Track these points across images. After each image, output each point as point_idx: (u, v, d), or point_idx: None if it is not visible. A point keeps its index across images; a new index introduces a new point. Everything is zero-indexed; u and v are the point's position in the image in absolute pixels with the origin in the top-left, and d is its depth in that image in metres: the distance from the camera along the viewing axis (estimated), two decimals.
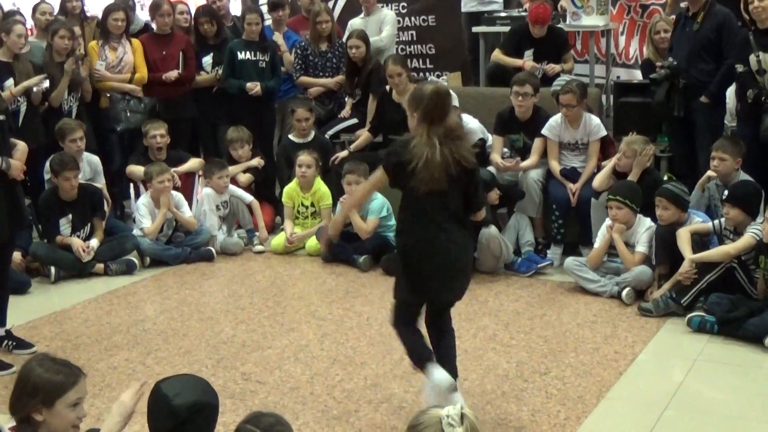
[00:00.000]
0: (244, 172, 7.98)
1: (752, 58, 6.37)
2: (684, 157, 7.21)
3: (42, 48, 7.84)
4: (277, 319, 5.92)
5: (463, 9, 9.24)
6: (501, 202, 6.95)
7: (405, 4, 9.78)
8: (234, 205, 7.68)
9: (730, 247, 5.63)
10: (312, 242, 7.34)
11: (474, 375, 4.92)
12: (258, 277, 6.88)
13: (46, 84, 7.32)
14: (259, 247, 7.52)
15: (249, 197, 7.75)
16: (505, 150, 7.23)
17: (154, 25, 8.57)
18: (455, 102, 6.75)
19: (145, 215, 7.30)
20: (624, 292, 6.00)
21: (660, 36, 7.55)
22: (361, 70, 8.14)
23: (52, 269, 6.83)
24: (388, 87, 7.58)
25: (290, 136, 8.09)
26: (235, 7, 10.25)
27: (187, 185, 7.83)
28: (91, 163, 7.51)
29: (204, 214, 7.53)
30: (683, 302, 5.67)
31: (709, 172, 6.42)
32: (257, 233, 7.66)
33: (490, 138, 7.20)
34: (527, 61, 7.75)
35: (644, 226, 6.17)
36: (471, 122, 7.03)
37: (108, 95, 8.12)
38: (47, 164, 7.08)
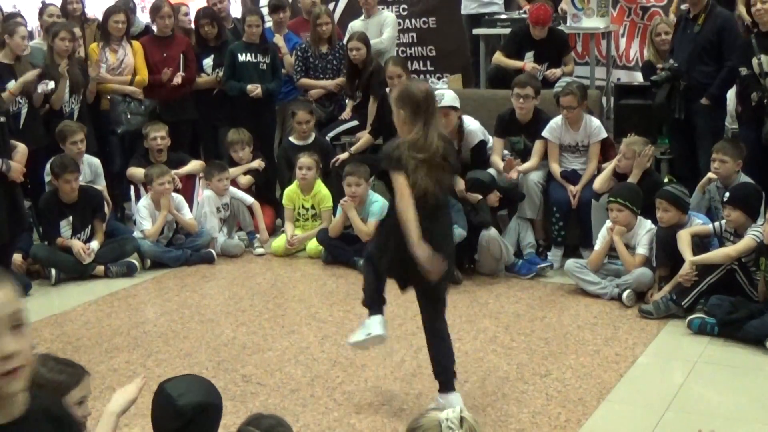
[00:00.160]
0: (245, 174, 7.99)
1: (754, 60, 6.37)
2: (684, 159, 7.22)
3: (43, 50, 7.84)
4: (278, 321, 5.92)
5: (463, 11, 9.24)
6: (501, 205, 6.95)
7: (405, 6, 9.80)
8: (235, 207, 7.69)
9: (730, 249, 5.63)
10: (312, 244, 7.34)
11: (474, 377, 4.92)
12: (258, 280, 6.88)
13: (52, 85, 7.32)
14: (259, 250, 7.52)
15: (250, 199, 7.75)
16: (506, 152, 7.23)
17: (154, 28, 8.58)
18: (456, 104, 6.76)
19: (145, 217, 7.30)
20: (624, 294, 6.00)
21: (661, 38, 7.56)
22: (362, 73, 8.14)
23: (53, 271, 6.83)
24: (388, 89, 7.58)
25: (291, 138, 8.09)
26: (236, 10, 10.26)
27: (187, 187, 7.83)
28: (91, 166, 7.52)
29: (204, 216, 7.53)
30: (684, 304, 5.66)
31: (710, 174, 6.43)
32: (258, 235, 7.66)
33: (491, 140, 7.20)
34: (528, 62, 7.75)
35: (645, 228, 6.16)
36: (471, 124, 7.03)
37: (108, 97, 8.13)
38: (47, 166, 7.08)
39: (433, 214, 4.23)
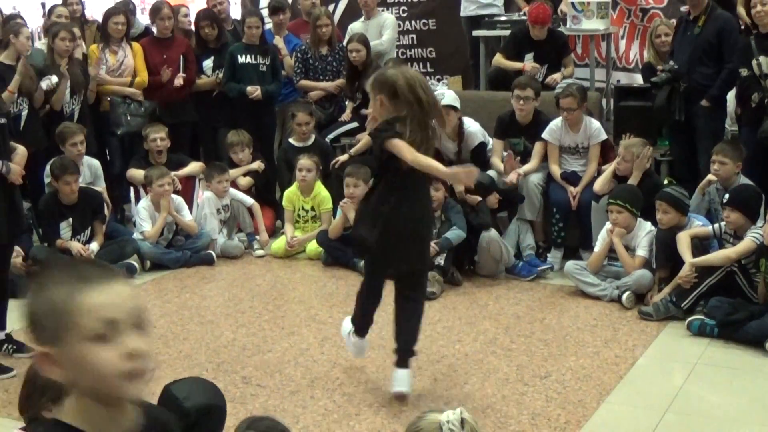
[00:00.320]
0: (245, 175, 7.99)
1: (753, 62, 6.38)
2: (684, 160, 7.22)
3: (43, 52, 7.83)
4: (278, 323, 5.92)
5: (463, 13, 9.24)
6: (501, 206, 6.95)
7: (405, 8, 9.80)
8: (235, 208, 7.68)
9: (730, 251, 5.63)
10: (312, 246, 7.34)
11: (474, 378, 4.92)
12: (258, 281, 6.88)
13: (55, 79, 7.30)
14: (259, 251, 7.52)
15: (250, 200, 7.75)
16: (506, 153, 7.23)
17: (154, 29, 8.58)
18: (456, 104, 6.77)
19: (145, 219, 7.30)
20: (624, 296, 5.99)
21: (661, 40, 7.56)
22: (362, 74, 8.13)
23: None
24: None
25: (291, 140, 8.09)
26: (235, 11, 10.26)
27: (187, 189, 7.82)
28: (91, 167, 7.52)
29: (205, 217, 7.53)
30: (683, 306, 5.67)
31: (710, 176, 6.42)
32: (257, 237, 7.66)
33: (491, 141, 7.21)
34: (528, 62, 7.75)
35: (644, 229, 6.16)
36: (472, 126, 7.03)
37: (108, 99, 8.13)
38: (47, 168, 7.08)
39: (418, 189, 4.46)
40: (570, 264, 6.40)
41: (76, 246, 6.90)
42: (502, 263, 6.69)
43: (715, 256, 5.68)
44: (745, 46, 6.55)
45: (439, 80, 9.35)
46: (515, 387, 4.80)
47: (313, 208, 7.58)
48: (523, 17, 8.20)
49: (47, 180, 7.12)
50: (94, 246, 7.00)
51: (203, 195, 7.71)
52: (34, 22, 9.89)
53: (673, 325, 5.63)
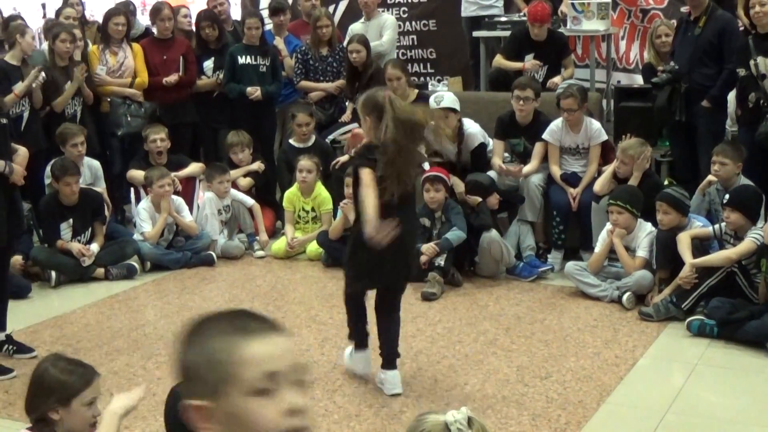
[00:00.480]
0: (245, 176, 7.99)
1: (751, 62, 6.38)
2: (685, 161, 7.22)
3: (43, 53, 7.84)
4: None
5: (463, 14, 9.24)
6: (501, 207, 6.95)
7: (406, 9, 9.80)
8: (236, 209, 7.69)
9: (730, 252, 5.63)
10: (313, 247, 7.34)
11: (474, 379, 4.92)
12: (259, 282, 6.88)
13: (42, 75, 7.28)
14: (259, 252, 7.52)
15: (250, 201, 7.75)
16: (506, 155, 7.23)
17: (154, 30, 8.58)
18: (456, 106, 6.76)
19: (145, 220, 7.30)
20: (624, 297, 5.99)
21: (661, 40, 7.56)
22: (362, 75, 8.13)
23: (53, 274, 6.82)
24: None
25: (291, 141, 8.09)
26: (235, 12, 10.26)
27: (187, 190, 7.82)
28: (91, 168, 7.52)
29: (205, 218, 7.53)
30: (684, 307, 5.66)
31: (710, 177, 6.42)
32: (258, 237, 7.66)
33: (491, 142, 7.21)
34: (528, 59, 7.75)
35: (645, 230, 6.16)
36: (471, 127, 7.03)
37: (108, 100, 8.13)
38: (48, 169, 7.08)
39: (403, 208, 4.54)
40: (570, 265, 6.39)
41: (76, 247, 6.90)
42: (502, 264, 6.69)
43: (716, 257, 5.68)
44: (742, 46, 6.56)
45: (439, 81, 9.35)
46: (515, 388, 4.80)
47: (313, 209, 7.58)
48: (523, 18, 8.20)
49: (48, 181, 7.13)
50: (95, 247, 7.00)
51: (204, 196, 7.71)
52: (35, 22, 9.89)
53: (674, 326, 5.63)
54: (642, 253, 6.11)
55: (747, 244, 5.54)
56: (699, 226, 6.06)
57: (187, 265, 7.21)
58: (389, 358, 4.81)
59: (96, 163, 7.59)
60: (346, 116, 8.40)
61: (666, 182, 6.92)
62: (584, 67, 8.55)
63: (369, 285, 4.81)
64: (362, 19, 8.90)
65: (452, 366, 5.11)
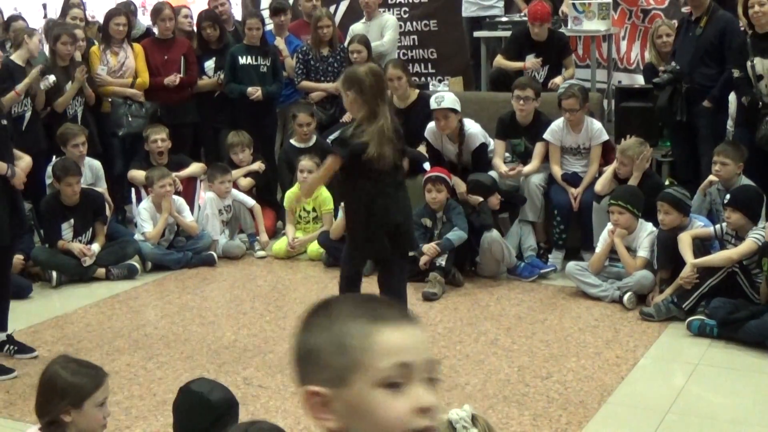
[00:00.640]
0: (245, 176, 7.99)
1: (748, 63, 6.39)
2: (686, 161, 7.21)
3: (44, 54, 7.84)
4: (279, 324, 5.92)
5: (464, 14, 9.24)
6: (502, 207, 6.95)
7: (406, 9, 9.79)
8: (236, 209, 7.69)
9: (732, 252, 5.62)
10: (314, 247, 7.34)
11: (475, 379, 4.92)
12: (259, 282, 6.88)
13: (53, 78, 7.31)
14: (260, 252, 7.52)
15: (251, 201, 7.75)
16: (507, 155, 7.23)
17: (155, 30, 8.58)
18: (456, 106, 6.76)
19: (146, 220, 7.30)
20: (625, 297, 5.99)
21: (662, 40, 7.56)
22: None
23: (54, 274, 6.82)
24: (388, 91, 7.57)
25: (292, 141, 8.08)
26: (237, 12, 10.25)
27: (188, 190, 7.83)
28: (92, 168, 7.52)
29: (206, 218, 7.53)
30: (685, 307, 5.66)
31: (711, 177, 6.42)
32: (258, 237, 7.66)
33: (492, 142, 7.21)
34: (529, 59, 7.75)
35: (646, 230, 6.16)
36: (472, 127, 7.03)
37: (110, 100, 8.13)
38: (49, 169, 7.08)
39: (386, 184, 4.77)
40: (571, 265, 6.39)
41: (77, 247, 6.91)
42: (503, 264, 6.69)
43: (717, 257, 5.68)
44: (740, 46, 6.56)
45: (440, 81, 9.35)
46: (516, 388, 4.80)
47: (314, 209, 7.58)
48: (524, 18, 8.20)
49: (49, 181, 7.13)
50: (96, 247, 7.00)
51: (205, 195, 7.72)
52: (35, 22, 9.89)
53: (675, 326, 5.63)
54: (643, 253, 6.11)
55: (748, 244, 5.54)
56: (700, 226, 6.05)
57: (188, 265, 7.21)
58: None
59: (97, 164, 7.59)
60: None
61: (667, 182, 6.92)
62: (585, 68, 8.55)
63: (364, 257, 4.99)
64: (363, 19, 8.89)
65: (453, 366, 5.11)
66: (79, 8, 8.65)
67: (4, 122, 5.19)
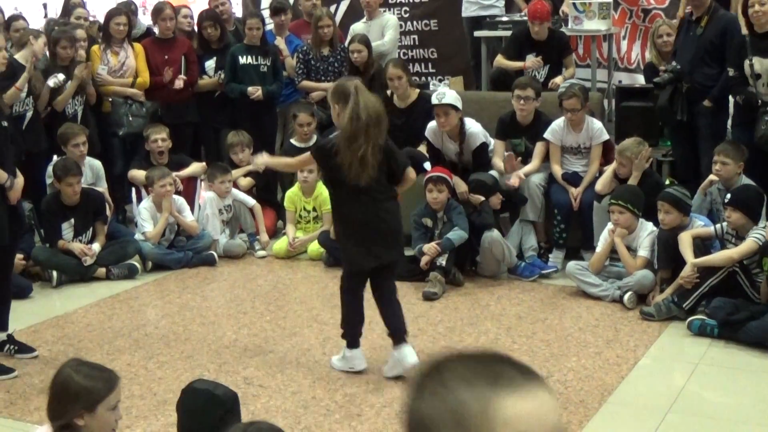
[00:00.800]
0: (245, 176, 7.99)
1: (746, 62, 6.38)
2: (686, 161, 7.21)
3: (45, 55, 7.84)
4: (279, 324, 5.92)
5: (464, 14, 9.24)
6: (503, 207, 6.95)
7: (407, 9, 9.80)
8: (236, 209, 7.69)
9: (732, 252, 5.62)
10: (314, 246, 7.34)
11: None
12: (260, 282, 6.88)
13: (62, 77, 7.31)
14: (261, 252, 7.52)
15: (252, 201, 7.75)
16: (506, 154, 7.22)
17: (156, 30, 8.58)
18: (457, 103, 6.76)
19: (146, 219, 7.30)
20: (626, 296, 5.99)
21: (663, 40, 7.56)
22: (363, 75, 8.11)
23: (54, 273, 6.82)
24: (389, 91, 7.59)
25: (292, 141, 8.09)
26: (237, 12, 10.25)
27: (188, 189, 7.83)
28: (93, 168, 7.52)
29: (206, 218, 7.53)
30: (685, 306, 5.66)
31: (712, 176, 6.42)
32: (258, 237, 7.66)
33: (492, 142, 7.21)
34: (529, 58, 7.75)
35: (646, 230, 6.16)
36: (473, 126, 7.03)
37: (110, 99, 8.13)
38: (49, 169, 7.08)
39: (376, 191, 4.77)
40: (571, 264, 6.39)
41: (78, 247, 6.91)
42: (504, 263, 6.69)
43: (717, 257, 5.68)
44: (739, 45, 6.56)
45: (440, 81, 9.36)
46: None
47: (314, 209, 7.58)
48: (524, 18, 8.20)
49: (49, 181, 7.13)
50: (96, 246, 7.00)
51: (205, 195, 7.72)
52: (36, 22, 9.89)
53: (675, 326, 5.63)
54: (643, 252, 6.11)
55: (749, 243, 5.54)
56: (700, 225, 6.05)
57: (188, 265, 7.21)
58: (399, 335, 4.95)
59: (97, 163, 7.59)
60: None
61: (667, 182, 6.92)
62: (585, 67, 8.55)
63: (362, 265, 4.92)
64: (364, 19, 8.89)
65: None
66: (83, 8, 8.66)
67: (5, 124, 5.18)
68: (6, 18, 8.64)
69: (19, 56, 7.23)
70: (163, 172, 7.34)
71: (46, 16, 10.96)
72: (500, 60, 8.03)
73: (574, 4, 8.20)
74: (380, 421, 4.46)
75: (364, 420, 4.47)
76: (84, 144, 7.29)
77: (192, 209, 7.60)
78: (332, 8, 9.65)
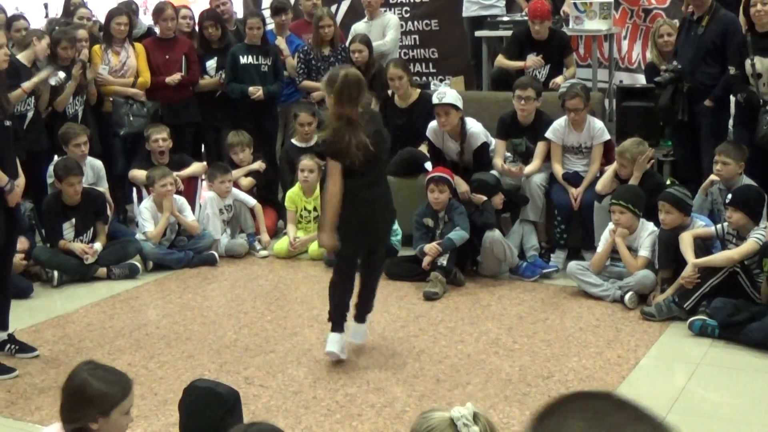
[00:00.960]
0: (246, 176, 7.99)
1: (747, 61, 6.38)
2: (687, 161, 7.21)
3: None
4: (280, 323, 5.92)
5: (465, 14, 9.24)
6: (505, 207, 6.95)
7: (408, 9, 9.80)
8: (237, 208, 7.69)
9: (733, 252, 5.62)
10: (314, 246, 7.33)
11: (477, 379, 4.92)
12: (261, 281, 6.88)
13: (63, 75, 7.32)
14: (262, 252, 7.52)
15: (252, 201, 7.76)
16: (508, 154, 7.23)
17: (157, 30, 8.59)
18: (457, 102, 6.76)
19: (147, 219, 7.30)
20: (627, 297, 5.99)
21: (664, 39, 7.56)
22: (364, 75, 8.10)
23: (55, 273, 6.83)
24: (390, 91, 7.59)
25: (293, 141, 8.09)
26: (237, 11, 10.25)
27: (189, 189, 7.83)
28: (93, 168, 7.52)
29: (207, 218, 7.53)
30: (686, 306, 5.66)
31: (713, 176, 6.42)
32: (259, 237, 7.66)
33: (493, 142, 7.20)
34: (530, 57, 7.74)
35: (647, 230, 6.16)
36: (474, 126, 7.03)
37: (111, 99, 8.13)
38: (50, 168, 7.08)
39: (370, 173, 4.94)
40: (572, 264, 6.39)
41: (78, 247, 6.91)
42: (505, 263, 6.69)
43: (718, 257, 5.68)
44: (739, 45, 6.55)
45: (441, 80, 9.36)
46: (518, 387, 4.80)
47: (315, 209, 7.57)
48: (525, 18, 8.20)
49: (50, 181, 7.13)
50: (98, 246, 7.01)
51: (205, 195, 7.72)
52: (37, 22, 9.90)
53: (676, 326, 5.62)
54: (644, 252, 6.11)
55: (749, 244, 5.54)
56: (701, 225, 6.05)
57: (189, 265, 7.22)
58: (363, 313, 5.30)
59: (98, 163, 7.59)
60: None
61: (668, 182, 6.92)
62: (586, 67, 8.55)
63: (359, 244, 5.12)
64: (365, 19, 8.90)
65: (454, 365, 5.11)
66: (85, 8, 8.66)
67: (8, 123, 5.18)
68: (8, 18, 8.63)
69: (22, 56, 7.24)
70: (163, 172, 7.34)
71: (47, 16, 10.97)
72: (501, 60, 8.03)
73: (575, 3, 8.20)
74: (381, 421, 4.46)
75: (364, 420, 4.47)
76: (85, 144, 7.29)
77: (193, 209, 7.60)
78: (333, 8, 9.65)
